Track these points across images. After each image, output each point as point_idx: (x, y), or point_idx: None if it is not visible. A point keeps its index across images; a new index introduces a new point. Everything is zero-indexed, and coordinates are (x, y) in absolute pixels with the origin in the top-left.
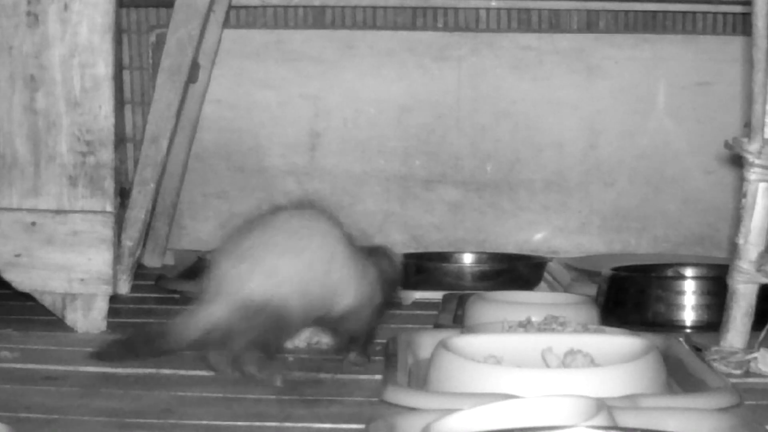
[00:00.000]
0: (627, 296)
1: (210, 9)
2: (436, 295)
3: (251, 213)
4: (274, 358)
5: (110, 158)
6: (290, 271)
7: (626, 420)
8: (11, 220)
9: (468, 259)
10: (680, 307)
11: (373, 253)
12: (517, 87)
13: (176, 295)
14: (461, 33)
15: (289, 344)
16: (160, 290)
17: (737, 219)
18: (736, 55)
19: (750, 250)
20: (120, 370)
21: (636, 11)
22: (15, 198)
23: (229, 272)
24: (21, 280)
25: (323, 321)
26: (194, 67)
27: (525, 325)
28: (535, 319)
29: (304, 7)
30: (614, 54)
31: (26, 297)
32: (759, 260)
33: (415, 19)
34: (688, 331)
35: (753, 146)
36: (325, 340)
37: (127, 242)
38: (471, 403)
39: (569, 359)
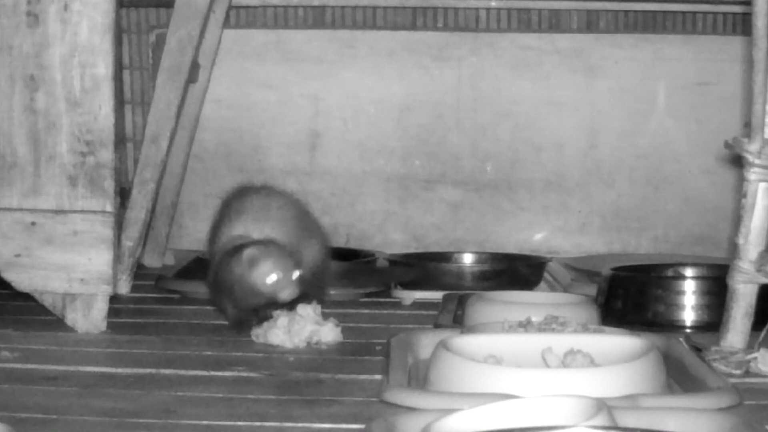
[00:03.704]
0: (627, 296)
1: (210, 9)
2: (436, 295)
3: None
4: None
5: (110, 158)
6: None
7: (626, 420)
8: (11, 220)
9: (468, 259)
10: (680, 307)
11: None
12: (517, 87)
13: (176, 295)
14: (461, 33)
15: (289, 344)
16: (160, 290)
17: (737, 219)
18: (736, 55)
19: (750, 250)
20: (120, 370)
21: (636, 11)
22: (15, 198)
23: None
24: (21, 280)
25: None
26: (194, 67)
27: (525, 325)
28: (535, 319)
29: (304, 7)
30: (614, 54)
31: (26, 297)
32: (759, 260)
33: (415, 19)
34: (688, 331)
35: (753, 146)
36: (325, 339)
37: (127, 242)
38: (471, 403)
39: (569, 359)
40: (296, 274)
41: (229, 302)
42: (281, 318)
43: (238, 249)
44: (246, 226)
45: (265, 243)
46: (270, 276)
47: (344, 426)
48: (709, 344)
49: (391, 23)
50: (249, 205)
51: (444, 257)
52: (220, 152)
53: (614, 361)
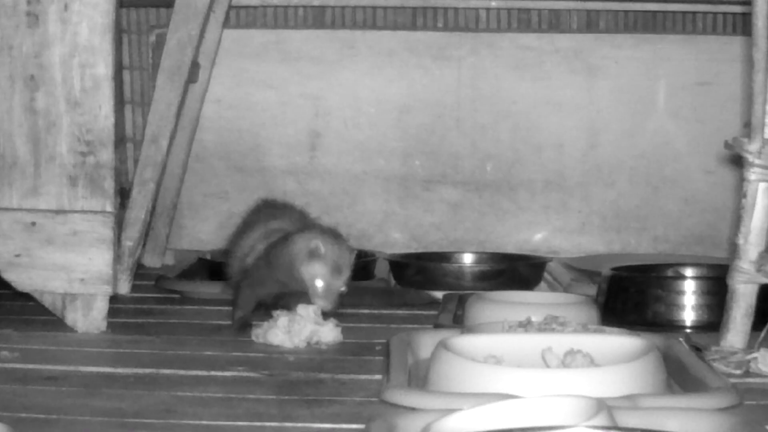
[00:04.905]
0: (627, 296)
1: (210, 9)
2: (436, 295)
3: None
4: None
5: (110, 158)
6: None
7: (626, 420)
8: (11, 220)
9: (468, 259)
10: (680, 307)
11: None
12: (517, 87)
13: (176, 295)
14: (461, 33)
15: (289, 344)
16: (160, 290)
17: (737, 219)
18: (736, 55)
19: (750, 250)
20: (120, 370)
21: (636, 11)
22: (15, 198)
23: None
24: (21, 280)
25: None
26: (194, 67)
27: (525, 325)
28: (535, 319)
29: (304, 7)
30: (614, 54)
31: (26, 297)
32: (759, 260)
33: (415, 19)
34: (688, 331)
35: (753, 146)
36: (325, 339)
37: (127, 242)
38: (471, 403)
39: (569, 359)
40: (342, 289)
41: (268, 281)
42: (281, 318)
43: (302, 231)
44: (281, 223)
45: (337, 242)
46: (318, 281)
47: (344, 426)
48: (709, 344)
49: (391, 23)
50: (288, 209)
51: (444, 257)
52: (220, 152)
53: (614, 361)
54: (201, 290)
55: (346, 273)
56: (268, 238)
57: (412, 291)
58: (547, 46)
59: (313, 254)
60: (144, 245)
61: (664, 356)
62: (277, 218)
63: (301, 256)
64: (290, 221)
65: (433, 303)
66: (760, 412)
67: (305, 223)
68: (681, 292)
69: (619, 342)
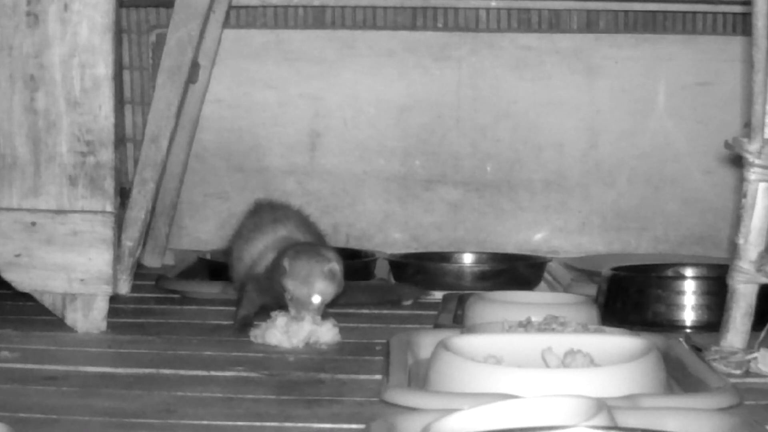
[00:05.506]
0: (627, 296)
1: (210, 9)
2: (436, 295)
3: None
4: None
5: (110, 158)
6: None
7: (626, 420)
8: (11, 220)
9: (468, 259)
10: (680, 307)
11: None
12: (517, 87)
13: (176, 295)
14: (461, 33)
15: (287, 344)
16: (160, 290)
17: (737, 219)
18: (736, 55)
19: (750, 250)
20: (120, 370)
21: (636, 11)
22: (15, 198)
23: None
24: (21, 280)
25: None
26: (194, 67)
27: (525, 325)
28: (535, 319)
29: (304, 7)
30: (614, 54)
31: (26, 297)
32: (759, 260)
33: (415, 19)
34: (688, 331)
35: (753, 146)
36: (323, 340)
37: (127, 242)
38: (471, 403)
39: (569, 359)
40: (317, 299)
41: (262, 291)
42: (279, 318)
43: (293, 248)
44: (289, 231)
45: (310, 258)
46: (286, 294)
47: (344, 426)
48: (709, 344)
49: (391, 23)
50: (290, 212)
51: (444, 257)
52: (220, 152)
53: (614, 361)
54: (201, 290)
55: (320, 285)
56: (277, 248)
57: (405, 286)
58: (547, 46)
59: (283, 271)
60: (144, 245)
61: (664, 356)
62: (282, 224)
63: (279, 273)
64: (295, 227)
65: (426, 295)
66: (760, 412)
67: (306, 231)
68: (681, 292)
69: (619, 342)
